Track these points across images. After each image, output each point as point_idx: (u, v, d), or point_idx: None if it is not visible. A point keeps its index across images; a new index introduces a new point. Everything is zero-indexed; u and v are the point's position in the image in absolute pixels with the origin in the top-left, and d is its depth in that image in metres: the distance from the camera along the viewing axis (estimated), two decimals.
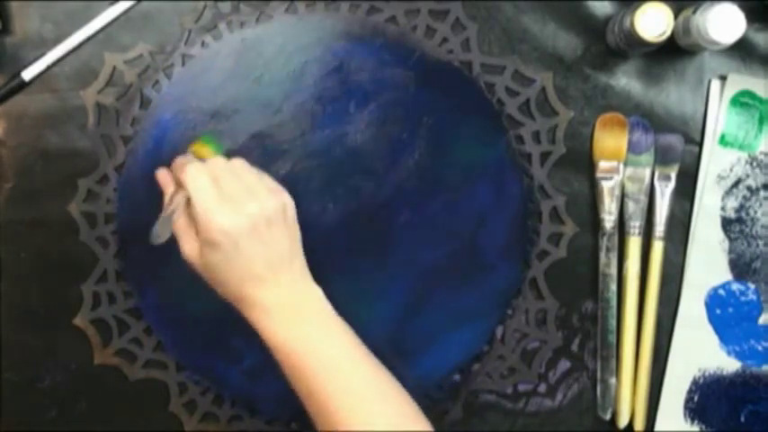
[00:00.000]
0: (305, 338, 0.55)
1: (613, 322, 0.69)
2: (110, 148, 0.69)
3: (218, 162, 0.57)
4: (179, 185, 0.58)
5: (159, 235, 0.58)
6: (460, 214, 0.68)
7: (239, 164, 0.58)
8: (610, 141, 0.69)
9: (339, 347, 0.55)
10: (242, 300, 0.56)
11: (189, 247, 0.56)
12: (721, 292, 0.70)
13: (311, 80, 0.68)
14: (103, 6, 0.69)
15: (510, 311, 0.69)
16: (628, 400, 0.69)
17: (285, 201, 0.57)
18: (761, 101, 0.69)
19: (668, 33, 0.65)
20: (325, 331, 0.56)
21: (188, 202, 0.57)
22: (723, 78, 0.70)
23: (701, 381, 0.70)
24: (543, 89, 0.70)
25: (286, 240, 0.56)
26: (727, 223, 0.70)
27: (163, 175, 0.61)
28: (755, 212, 0.70)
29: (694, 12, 0.65)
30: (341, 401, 0.53)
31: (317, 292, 0.57)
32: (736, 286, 0.70)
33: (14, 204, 0.70)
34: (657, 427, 0.70)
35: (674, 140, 0.70)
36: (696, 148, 0.71)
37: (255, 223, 0.54)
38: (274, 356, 0.56)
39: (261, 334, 0.56)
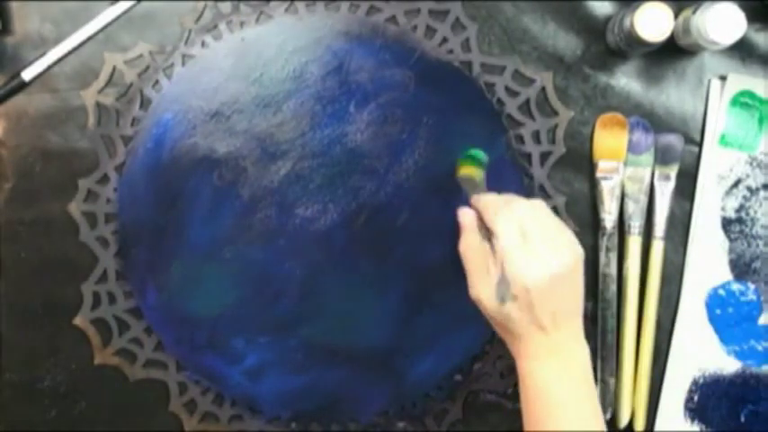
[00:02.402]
0: (555, 391, 0.56)
1: (613, 322, 0.70)
2: (110, 148, 0.69)
3: (522, 206, 0.57)
4: (483, 228, 0.59)
5: (503, 297, 0.57)
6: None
7: (540, 207, 0.58)
8: (610, 141, 0.69)
9: (582, 411, 0.56)
10: (517, 340, 0.57)
11: (479, 287, 0.58)
12: (721, 292, 0.70)
13: (311, 80, 0.68)
14: (103, 6, 0.69)
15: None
16: (628, 400, 0.70)
17: (580, 255, 0.57)
18: (761, 101, 0.70)
19: (668, 33, 0.65)
20: (575, 394, 0.56)
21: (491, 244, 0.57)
22: (723, 78, 0.70)
23: (701, 381, 0.70)
24: (543, 89, 0.70)
25: (572, 294, 0.57)
26: (727, 223, 0.70)
27: (466, 214, 0.61)
28: (755, 212, 0.70)
29: (694, 12, 0.65)
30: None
31: (584, 353, 0.57)
32: (736, 286, 0.70)
33: (14, 204, 0.70)
34: (657, 427, 0.70)
35: (674, 140, 0.70)
36: (696, 148, 0.71)
37: (554, 281, 0.55)
38: (521, 391, 0.57)
39: (519, 369, 0.57)
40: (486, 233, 0.58)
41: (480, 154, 0.66)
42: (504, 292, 0.56)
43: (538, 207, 0.58)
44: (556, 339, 0.56)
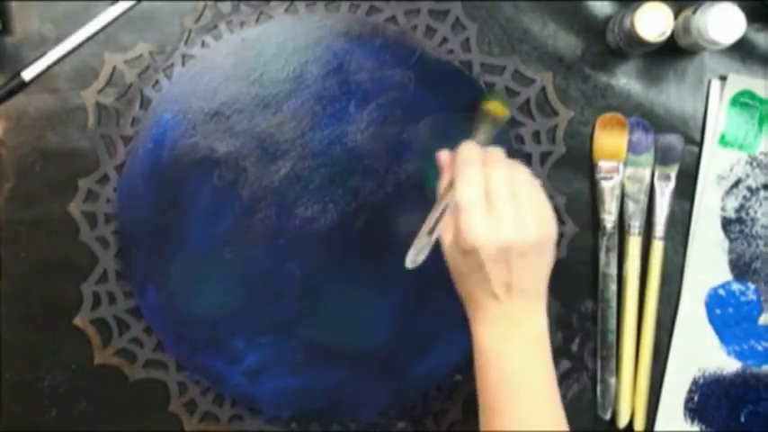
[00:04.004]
0: (507, 355, 0.55)
1: (613, 322, 0.70)
2: (110, 148, 0.69)
3: (500, 169, 0.55)
4: (451, 182, 0.57)
5: (417, 254, 0.57)
6: None
7: (523, 178, 0.55)
8: (610, 141, 0.69)
9: (532, 376, 0.55)
10: (469, 301, 0.56)
11: (446, 232, 0.56)
12: (721, 292, 0.70)
13: (311, 80, 0.69)
14: (103, 6, 0.69)
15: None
16: (628, 400, 0.70)
17: (550, 234, 0.55)
18: (761, 101, 0.70)
19: (668, 33, 0.65)
20: (527, 360, 0.55)
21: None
22: (723, 78, 0.70)
23: (701, 381, 0.70)
24: (543, 89, 0.70)
25: (533, 269, 0.55)
26: (727, 223, 0.70)
27: (443, 157, 0.59)
28: (755, 212, 0.70)
29: (694, 12, 0.65)
30: (510, 417, 0.54)
31: (541, 320, 0.56)
32: (736, 286, 0.70)
33: (14, 204, 0.70)
34: (657, 427, 0.70)
35: (674, 140, 0.70)
36: (696, 148, 0.71)
37: (508, 250, 0.53)
38: (474, 355, 0.56)
39: (472, 332, 0.56)
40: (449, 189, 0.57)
41: (507, 108, 0.63)
42: (421, 248, 0.56)
43: (518, 174, 0.55)
44: (508, 308, 0.54)
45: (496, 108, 0.61)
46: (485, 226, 0.53)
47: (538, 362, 0.56)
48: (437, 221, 0.58)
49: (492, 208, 0.53)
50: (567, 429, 0.56)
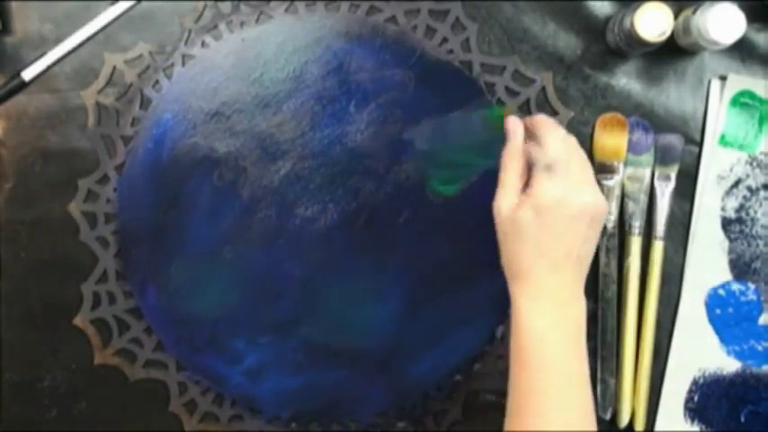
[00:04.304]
0: (548, 340, 0.55)
1: (613, 322, 0.70)
2: (110, 148, 0.69)
3: (573, 142, 0.57)
4: (531, 141, 0.58)
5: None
6: (460, 214, 0.68)
7: (584, 153, 0.58)
8: (610, 141, 0.69)
9: (569, 362, 0.55)
10: (522, 275, 0.56)
11: (507, 202, 0.56)
12: (721, 292, 0.70)
13: (311, 80, 0.69)
14: (103, 6, 0.69)
15: (510, 311, 0.69)
16: (628, 400, 0.70)
17: (606, 207, 0.57)
18: (761, 101, 0.70)
19: (668, 33, 0.65)
20: (566, 347, 0.55)
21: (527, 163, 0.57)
22: (723, 78, 0.70)
23: (701, 381, 0.70)
24: (543, 89, 0.70)
25: (592, 243, 0.56)
26: (727, 223, 0.70)
27: (514, 120, 0.59)
28: (755, 212, 0.70)
29: (694, 12, 0.65)
30: (540, 399, 0.54)
31: (583, 308, 0.56)
32: (736, 286, 0.70)
33: (14, 204, 0.70)
34: (657, 427, 0.70)
35: (674, 140, 0.70)
36: (696, 148, 0.71)
37: (584, 212, 0.55)
38: (512, 333, 0.56)
39: (515, 308, 0.56)
40: (533, 143, 0.57)
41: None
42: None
43: (582, 150, 0.58)
44: (561, 285, 0.55)
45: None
46: (566, 184, 0.54)
47: (576, 353, 0.55)
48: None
49: (570, 170, 0.55)
50: (596, 429, 0.56)
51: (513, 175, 0.57)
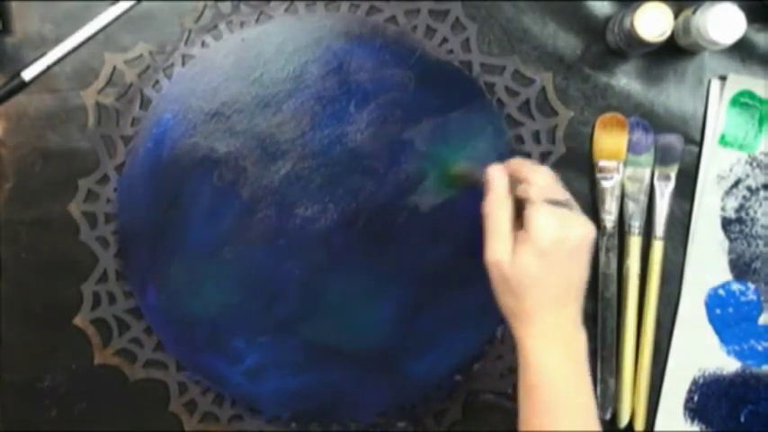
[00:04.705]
0: (557, 374, 0.55)
1: (613, 322, 0.70)
2: (110, 148, 0.69)
3: (552, 174, 0.57)
4: (517, 183, 0.57)
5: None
6: (460, 214, 0.68)
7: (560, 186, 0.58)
8: (610, 141, 0.69)
9: (578, 394, 0.55)
10: (525, 314, 0.56)
11: (501, 247, 0.56)
12: (721, 292, 0.70)
13: (311, 80, 0.68)
14: (103, 6, 0.69)
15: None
16: (628, 400, 0.70)
17: (595, 233, 0.57)
18: (761, 101, 0.70)
19: (668, 33, 0.65)
20: (575, 375, 0.56)
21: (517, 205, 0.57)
22: (723, 78, 0.70)
23: (701, 381, 0.70)
24: (543, 89, 0.70)
25: (585, 272, 0.56)
26: (727, 223, 0.70)
27: (496, 168, 0.59)
28: (755, 212, 0.70)
29: (694, 12, 0.65)
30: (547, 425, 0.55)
31: (584, 338, 0.56)
32: (736, 286, 0.70)
33: (14, 204, 0.70)
34: (657, 427, 0.70)
35: (674, 140, 0.70)
36: (696, 148, 0.71)
37: (582, 243, 0.55)
38: (520, 370, 0.56)
39: (521, 347, 0.56)
40: (514, 193, 0.57)
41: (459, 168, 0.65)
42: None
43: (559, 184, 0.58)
44: (565, 319, 0.55)
45: (462, 172, 0.63)
46: (560, 223, 0.54)
47: (584, 384, 0.56)
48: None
49: (559, 206, 0.55)
50: None
51: (504, 223, 0.56)
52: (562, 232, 0.54)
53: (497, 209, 0.57)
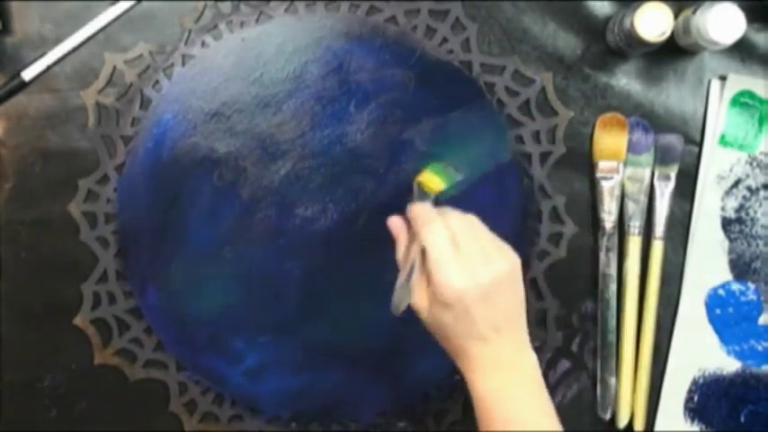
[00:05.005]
0: (506, 397, 0.55)
1: (613, 322, 0.70)
2: (110, 148, 0.69)
3: (455, 218, 0.57)
4: (412, 238, 0.58)
5: (399, 303, 0.58)
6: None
7: (474, 220, 0.57)
8: (610, 141, 0.69)
9: (535, 418, 0.55)
10: (460, 354, 0.56)
11: (419, 298, 0.57)
12: (721, 292, 0.70)
13: (311, 80, 0.68)
14: (103, 6, 0.69)
15: None
16: (628, 400, 0.70)
17: (515, 262, 0.56)
18: (761, 101, 0.70)
19: (668, 33, 0.65)
20: (527, 398, 0.56)
21: (422, 254, 0.57)
22: (723, 78, 0.70)
23: (701, 381, 0.70)
24: (543, 89, 0.70)
25: (512, 302, 0.56)
26: (727, 223, 0.70)
27: (395, 223, 0.60)
28: (755, 212, 0.70)
29: (694, 12, 0.65)
30: None
31: (531, 359, 0.57)
32: (736, 286, 0.70)
33: (14, 204, 0.70)
34: (657, 427, 0.70)
35: (674, 140, 0.70)
36: (696, 148, 0.71)
37: (488, 288, 0.54)
38: (474, 405, 0.56)
39: (468, 381, 0.56)
40: (417, 244, 0.57)
41: (451, 173, 0.63)
42: (402, 296, 0.56)
43: (470, 219, 0.57)
44: (499, 350, 0.55)
45: (430, 181, 0.61)
46: (461, 272, 0.54)
47: (537, 400, 0.56)
48: (408, 274, 0.58)
49: (461, 254, 0.54)
50: None
51: (412, 275, 0.57)
52: (465, 282, 0.53)
53: (403, 263, 0.59)
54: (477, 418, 0.56)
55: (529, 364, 0.56)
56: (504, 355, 0.55)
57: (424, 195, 0.61)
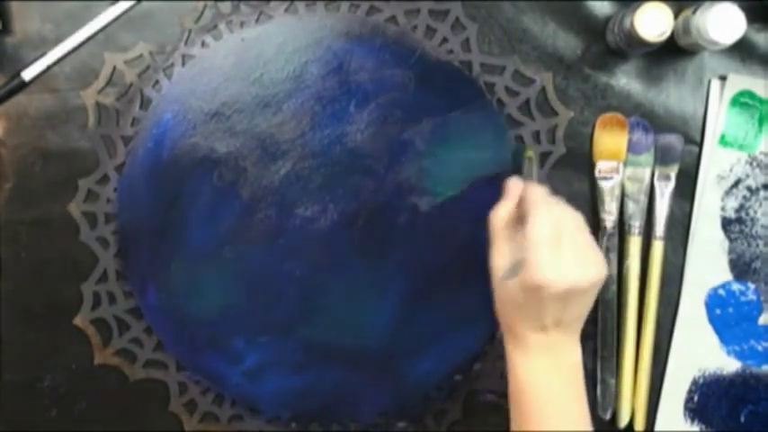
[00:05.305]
0: (543, 385, 0.56)
1: (613, 322, 0.70)
2: (110, 148, 0.69)
3: (565, 210, 0.57)
4: (523, 210, 0.58)
5: (512, 274, 0.57)
6: (460, 214, 0.68)
7: (581, 219, 0.58)
8: (610, 141, 0.69)
9: (570, 409, 0.56)
10: (514, 331, 0.57)
11: (498, 259, 0.57)
12: (721, 292, 0.70)
13: (311, 80, 0.68)
14: (103, 6, 0.69)
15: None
16: (628, 400, 0.70)
17: (603, 274, 0.56)
18: (761, 101, 0.69)
19: (668, 33, 0.65)
20: (562, 391, 0.57)
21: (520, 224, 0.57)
22: (723, 78, 0.70)
23: (701, 381, 0.70)
24: (543, 89, 0.70)
25: (584, 308, 0.57)
26: (727, 223, 0.70)
27: (515, 185, 0.60)
28: (755, 212, 0.70)
29: (694, 12, 0.65)
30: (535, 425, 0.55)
31: (577, 355, 0.57)
32: (736, 286, 0.70)
33: (14, 204, 0.70)
34: (657, 427, 0.70)
35: (674, 140, 0.70)
36: (696, 148, 0.71)
37: (571, 289, 0.54)
38: (509, 382, 0.57)
39: (509, 361, 0.57)
40: (523, 217, 0.57)
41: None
42: (515, 271, 0.56)
43: (578, 218, 0.57)
44: (552, 341, 0.56)
45: (530, 153, 0.64)
46: (554, 265, 0.54)
47: (575, 394, 0.57)
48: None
49: (560, 248, 0.54)
50: None
51: (502, 237, 0.58)
52: (549, 278, 0.54)
53: (500, 221, 0.59)
54: (511, 397, 0.57)
55: (575, 356, 0.57)
56: (554, 347, 0.56)
57: (529, 174, 0.62)
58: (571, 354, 0.57)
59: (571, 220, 0.56)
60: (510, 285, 0.56)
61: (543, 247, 0.54)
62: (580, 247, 0.56)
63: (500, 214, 0.59)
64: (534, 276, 0.54)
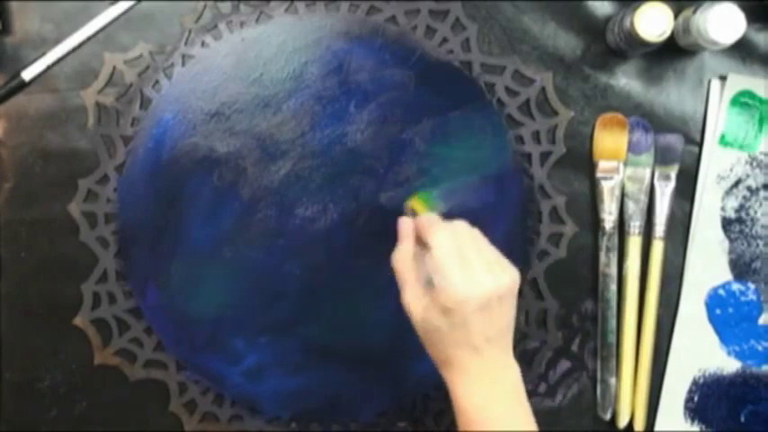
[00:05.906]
0: (490, 411, 0.56)
1: (613, 322, 0.70)
2: (110, 148, 0.69)
3: (462, 228, 0.57)
4: (421, 243, 0.58)
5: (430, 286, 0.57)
6: (459, 214, 0.68)
7: (478, 233, 0.58)
8: (610, 141, 0.69)
9: (515, 425, 0.56)
10: (449, 363, 0.56)
11: (414, 302, 0.57)
12: (721, 292, 0.70)
13: (311, 80, 0.68)
14: (103, 6, 0.69)
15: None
16: (628, 400, 0.70)
17: (516, 278, 0.57)
18: (761, 101, 0.70)
19: (668, 33, 0.65)
20: (510, 413, 0.56)
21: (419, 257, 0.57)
22: (723, 78, 0.70)
23: (701, 381, 0.70)
24: (543, 89, 0.70)
25: (507, 317, 0.57)
26: (727, 223, 0.70)
27: (407, 224, 0.60)
28: (755, 212, 0.70)
29: (694, 12, 0.65)
30: None
31: (516, 371, 0.57)
32: (736, 286, 0.70)
33: (14, 204, 0.70)
34: (657, 427, 0.70)
35: (674, 140, 0.70)
36: (696, 148, 0.71)
37: (489, 299, 0.54)
38: (456, 416, 0.57)
39: (452, 393, 0.57)
40: (424, 247, 0.58)
41: (435, 202, 0.65)
42: (431, 283, 0.56)
43: (475, 231, 0.58)
44: (488, 363, 0.55)
45: (418, 206, 0.63)
46: (466, 279, 0.54)
47: (520, 415, 0.56)
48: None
49: (467, 261, 0.55)
50: None
51: (409, 276, 0.58)
52: (466, 292, 0.54)
53: (401, 262, 0.58)
54: (459, 426, 0.56)
55: (514, 376, 0.57)
56: (492, 368, 0.56)
57: (413, 216, 0.62)
58: (510, 372, 0.57)
59: (469, 234, 0.57)
60: (431, 318, 0.55)
61: (452, 266, 0.54)
62: (486, 257, 0.56)
63: (400, 256, 0.59)
64: (451, 296, 0.54)
